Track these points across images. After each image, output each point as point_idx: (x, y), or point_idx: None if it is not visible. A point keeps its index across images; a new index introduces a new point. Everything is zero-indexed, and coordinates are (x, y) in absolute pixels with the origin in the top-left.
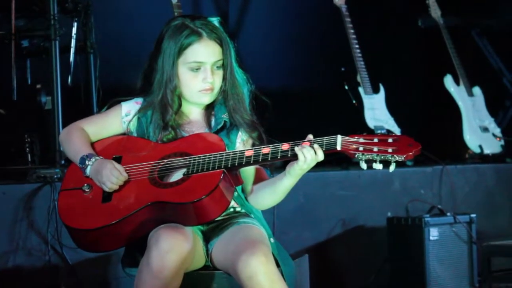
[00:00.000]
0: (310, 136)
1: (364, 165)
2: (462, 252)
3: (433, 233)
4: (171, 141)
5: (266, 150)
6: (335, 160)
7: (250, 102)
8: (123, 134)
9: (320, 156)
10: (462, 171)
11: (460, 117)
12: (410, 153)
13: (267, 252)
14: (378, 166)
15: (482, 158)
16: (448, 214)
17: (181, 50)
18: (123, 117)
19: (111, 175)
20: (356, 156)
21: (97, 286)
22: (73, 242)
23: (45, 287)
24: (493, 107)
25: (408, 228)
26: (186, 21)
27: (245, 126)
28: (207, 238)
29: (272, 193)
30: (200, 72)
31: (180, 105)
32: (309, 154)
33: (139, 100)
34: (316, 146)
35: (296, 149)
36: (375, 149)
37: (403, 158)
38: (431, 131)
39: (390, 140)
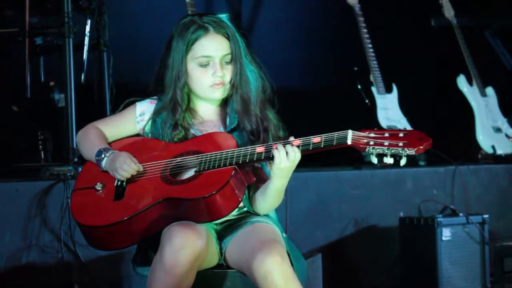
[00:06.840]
0: (292, 138)
1: (375, 160)
2: (475, 253)
3: (446, 234)
4: (183, 141)
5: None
6: (348, 159)
7: (267, 98)
8: (138, 135)
9: (298, 155)
10: (474, 171)
11: (473, 117)
12: (421, 147)
13: (283, 252)
14: (389, 160)
15: (494, 158)
16: (461, 214)
17: (188, 45)
18: (137, 117)
19: (124, 163)
20: (366, 150)
21: (110, 284)
22: (85, 240)
23: (57, 284)
24: (506, 108)
25: (420, 228)
26: (194, 18)
27: (249, 133)
28: (221, 236)
29: (263, 194)
30: (209, 67)
31: (189, 103)
32: (282, 153)
33: (154, 99)
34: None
35: (275, 149)
36: (386, 143)
37: (414, 152)
38: (444, 131)
39: (401, 134)
